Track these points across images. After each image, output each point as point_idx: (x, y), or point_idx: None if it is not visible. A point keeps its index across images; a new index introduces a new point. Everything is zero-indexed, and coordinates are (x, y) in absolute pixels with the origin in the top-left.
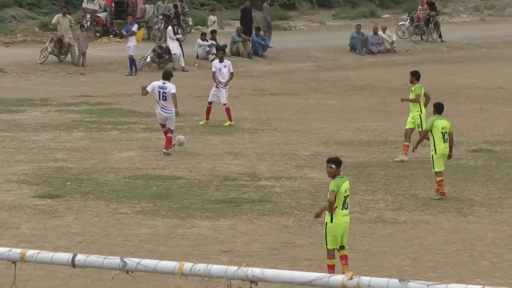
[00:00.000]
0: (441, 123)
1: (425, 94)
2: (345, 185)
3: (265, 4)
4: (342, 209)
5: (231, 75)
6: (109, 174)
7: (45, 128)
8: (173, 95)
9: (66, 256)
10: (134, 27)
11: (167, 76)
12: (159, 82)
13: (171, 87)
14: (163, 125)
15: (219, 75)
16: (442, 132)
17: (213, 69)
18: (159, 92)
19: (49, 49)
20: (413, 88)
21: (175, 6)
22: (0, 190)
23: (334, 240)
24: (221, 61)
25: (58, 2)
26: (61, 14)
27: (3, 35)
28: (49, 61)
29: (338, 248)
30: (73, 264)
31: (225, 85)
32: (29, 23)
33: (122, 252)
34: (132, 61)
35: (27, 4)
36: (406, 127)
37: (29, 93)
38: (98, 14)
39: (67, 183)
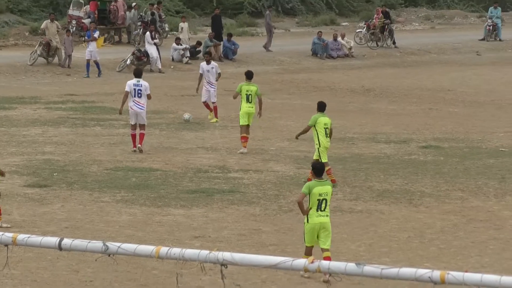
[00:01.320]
0: (324, 120)
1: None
2: (321, 189)
3: (267, 12)
4: (317, 211)
5: (219, 75)
6: (92, 166)
7: (34, 123)
8: (149, 95)
9: (53, 240)
10: (96, 33)
11: (139, 74)
12: (134, 81)
13: (146, 85)
14: (133, 126)
15: (208, 76)
16: (324, 128)
17: (200, 71)
18: (134, 89)
19: (38, 52)
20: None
21: (152, 13)
22: None
23: (311, 238)
24: (208, 63)
25: (46, 9)
26: (49, 20)
27: None
28: (38, 62)
29: (321, 247)
30: (60, 247)
31: (214, 84)
32: (20, 28)
33: (104, 237)
34: (88, 64)
35: (18, 10)
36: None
37: (19, 91)
38: (83, 20)
39: (54, 174)
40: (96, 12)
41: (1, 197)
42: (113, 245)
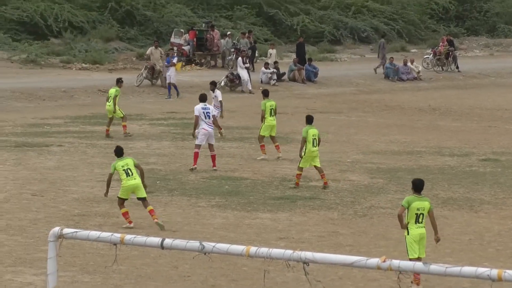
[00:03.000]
0: (312, 131)
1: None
2: (418, 204)
3: (382, 40)
4: (415, 223)
5: (220, 103)
6: (191, 175)
7: (140, 137)
8: (214, 116)
9: (156, 240)
10: (175, 59)
11: (204, 99)
12: (201, 105)
13: (212, 108)
14: (199, 146)
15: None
16: (312, 138)
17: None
18: (203, 112)
19: (144, 75)
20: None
21: (254, 42)
22: (104, 187)
23: (412, 249)
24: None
25: (151, 37)
26: (153, 47)
27: (107, 63)
28: (143, 84)
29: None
30: (162, 246)
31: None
32: (128, 54)
33: (200, 237)
34: (169, 86)
35: (126, 38)
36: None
37: (127, 109)
38: (183, 47)
39: (157, 182)
40: (195, 40)
41: (111, 202)
42: (208, 245)
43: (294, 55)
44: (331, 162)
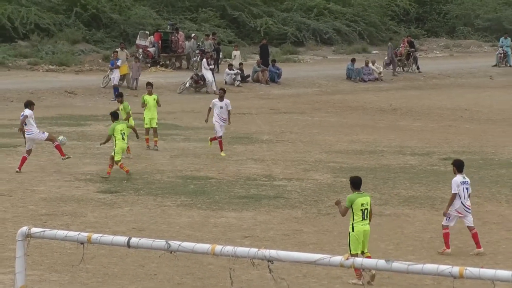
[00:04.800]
0: (120, 127)
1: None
2: (362, 200)
3: (390, 44)
4: (362, 220)
5: (229, 112)
6: (156, 174)
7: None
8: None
9: (123, 239)
10: (119, 62)
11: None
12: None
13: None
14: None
15: (221, 112)
16: (121, 133)
17: (211, 105)
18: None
19: (109, 76)
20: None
21: (218, 43)
22: (71, 187)
23: (356, 246)
24: (221, 99)
25: (117, 39)
26: (119, 49)
27: (74, 65)
28: (109, 85)
29: (360, 252)
30: (128, 245)
31: (225, 120)
32: (94, 56)
33: (166, 236)
34: (115, 89)
35: (93, 40)
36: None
37: (93, 110)
38: (148, 49)
39: (124, 182)
40: (160, 42)
41: (78, 201)
42: (174, 244)
43: (257, 57)
44: (294, 162)
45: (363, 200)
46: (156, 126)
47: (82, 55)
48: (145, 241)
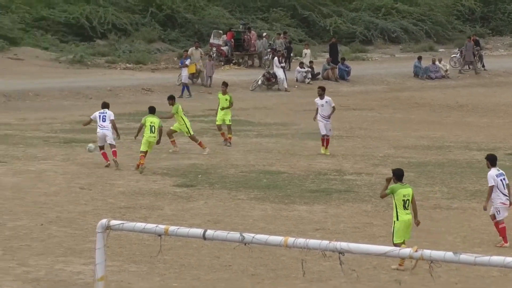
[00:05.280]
0: (150, 119)
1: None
2: (404, 191)
3: (467, 42)
4: (403, 209)
5: (333, 109)
6: (230, 169)
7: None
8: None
9: (198, 231)
10: (188, 61)
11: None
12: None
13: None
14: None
15: (322, 110)
16: (150, 126)
17: (317, 106)
18: (99, 116)
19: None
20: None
21: (290, 42)
22: (148, 181)
23: (400, 234)
24: (321, 98)
25: (191, 38)
26: (194, 48)
27: (150, 63)
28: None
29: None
30: (204, 237)
31: (329, 118)
32: (169, 54)
33: (240, 228)
34: (184, 87)
35: (168, 40)
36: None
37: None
38: (221, 48)
39: (199, 176)
40: (233, 40)
41: (155, 195)
42: (248, 236)
43: (327, 55)
44: (364, 157)
45: (405, 191)
46: (230, 123)
47: (158, 53)
48: (220, 233)
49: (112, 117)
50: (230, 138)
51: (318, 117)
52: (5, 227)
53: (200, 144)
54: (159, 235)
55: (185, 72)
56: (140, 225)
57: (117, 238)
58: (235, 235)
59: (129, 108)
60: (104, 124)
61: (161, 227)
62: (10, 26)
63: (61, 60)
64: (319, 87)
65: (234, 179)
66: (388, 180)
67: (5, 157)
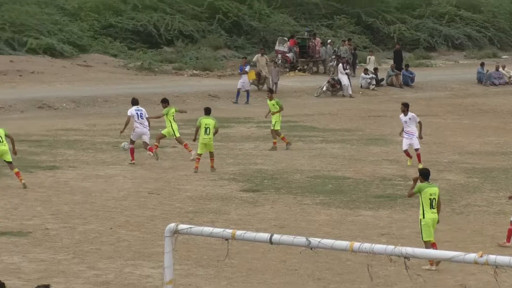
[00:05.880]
0: (206, 121)
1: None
2: (430, 190)
3: None
4: (430, 208)
5: (419, 124)
6: (296, 174)
7: (248, 139)
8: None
9: (265, 235)
10: (247, 68)
11: (136, 103)
12: (402, 114)
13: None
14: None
15: (406, 126)
16: (205, 127)
17: (401, 122)
18: (137, 113)
19: (251, 80)
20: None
21: (354, 49)
22: (215, 186)
23: (428, 232)
24: (405, 114)
25: (257, 45)
26: (259, 54)
27: (216, 70)
28: (251, 89)
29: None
30: (270, 241)
31: (413, 133)
32: (235, 61)
33: (306, 233)
34: (238, 92)
35: (234, 46)
36: None
37: (235, 113)
38: (286, 54)
39: (265, 181)
40: (297, 47)
41: (222, 200)
42: (314, 240)
43: (391, 61)
44: (428, 163)
45: (431, 190)
46: (277, 128)
47: (224, 60)
48: (286, 238)
49: (147, 115)
50: (274, 143)
51: (404, 133)
52: (75, 231)
53: (185, 146)
54: (226, 239)
55: (244, 79)
56: (207, 229)
57: (185, 242)
58: (301, 239)
59: (196, 114)
60: (142, 121)
61: (228, 231)
62: (79, 33)
63: (129, 67)
64: (402, 104)
65: (299, 184)
66: (415, 180)
67: (75, 162)
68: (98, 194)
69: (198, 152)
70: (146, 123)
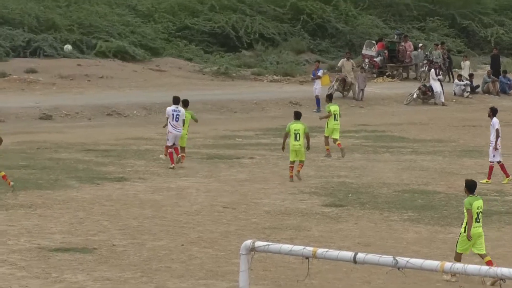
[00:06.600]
0: (295, 126)
1: None
2: (477, 203)
3: None
4: (476, 222)
5: (496, 131)
6: (382, 188)
7: (331, 150)
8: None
9: (349, 254)
10: (320, 72)
11: (176, 102)
12: (173, 107)
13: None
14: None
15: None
16: (294, 133)
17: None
18: (173, 114)
19: (335, 87)
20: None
21: (449, 52)
22: (295, 200)
23: (465, 246)
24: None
25: (342, 49)
26: (345, 59)
27: (298, 75)
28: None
29: (480, 253)
30: (354, 260)
31: (494, 147)
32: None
33: (393, 252)
34: (318, 99)
35: (317, 50)
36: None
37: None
38: (374, 59)
39: (349, 195)
40: (386, 51)
41: (302, 215)
42: (402, 260)
43: (488, 67)
44: None
45: (478, 203)
46: (332, 136)
47: (307, 65)
48: (371, 257)
49: (184, 117)
50: (328, 150)
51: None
52: (144, 247)
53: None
54: (307, 258)
55: (318, 85)
56: (286, 246)
57: (261, 260)
58: (388, 258)
59: (276, 122)
60: (176, 124)
61: (309, 249)
62: (152, 36)
63: (205, 72)
64: (490, 108)
65: (386, 199)
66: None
67: (145, 173)
68: (169, 208)
69: (290, 159)
70: (181, 127)
